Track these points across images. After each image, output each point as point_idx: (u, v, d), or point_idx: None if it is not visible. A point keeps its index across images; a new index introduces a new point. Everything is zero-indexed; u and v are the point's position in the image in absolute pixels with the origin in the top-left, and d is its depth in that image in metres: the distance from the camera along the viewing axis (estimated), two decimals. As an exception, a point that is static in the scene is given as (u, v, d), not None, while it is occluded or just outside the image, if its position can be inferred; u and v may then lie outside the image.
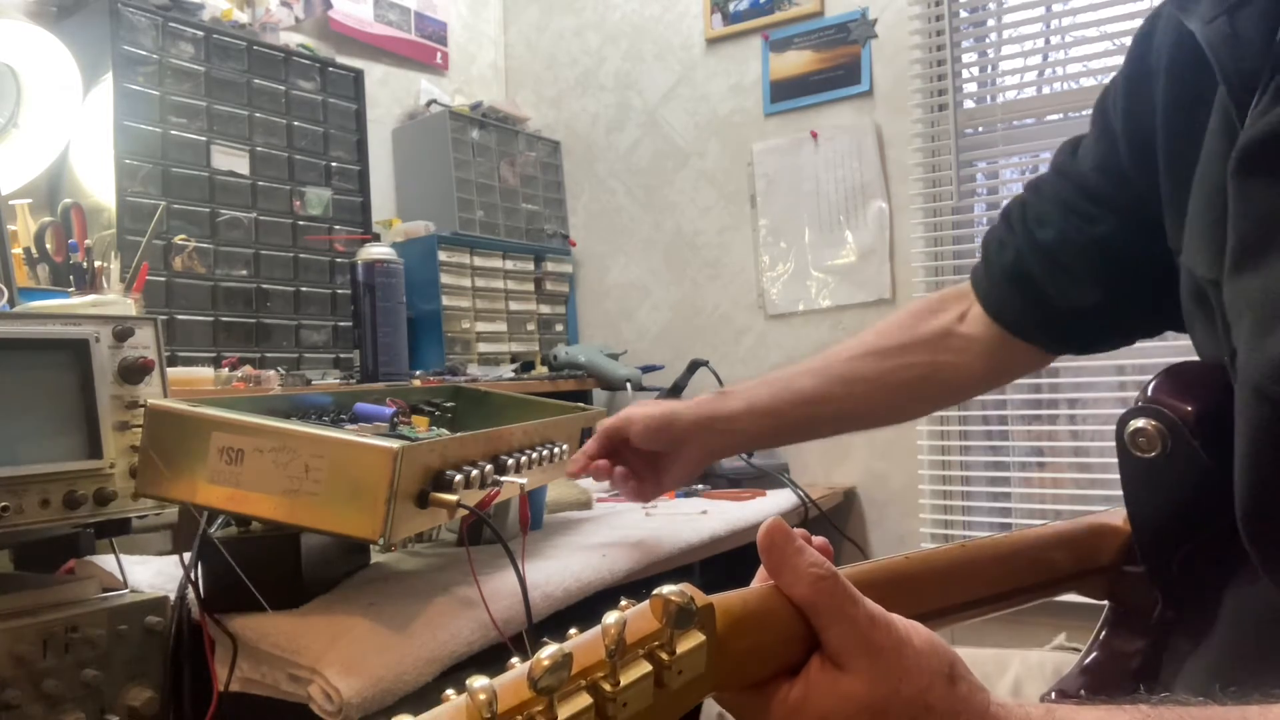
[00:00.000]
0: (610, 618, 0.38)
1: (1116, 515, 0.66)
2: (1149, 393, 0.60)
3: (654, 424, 1.07)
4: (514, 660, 0.37)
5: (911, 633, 0.46)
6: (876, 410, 1.01)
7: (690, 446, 1.09)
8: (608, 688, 0.37)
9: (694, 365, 2.22)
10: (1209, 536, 0.57)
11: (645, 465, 1.14)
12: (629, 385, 2.27)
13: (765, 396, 1.02)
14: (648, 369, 2.35)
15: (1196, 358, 0.67)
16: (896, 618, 0.46)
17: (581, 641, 0.38)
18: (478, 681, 0.34)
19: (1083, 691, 0.62)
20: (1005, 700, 0.46)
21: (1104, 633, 0.65)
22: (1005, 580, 0.61)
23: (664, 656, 0.39)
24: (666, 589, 0.39)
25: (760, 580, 0.48)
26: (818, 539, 0.52)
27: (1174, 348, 1.66)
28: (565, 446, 1.25)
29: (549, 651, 0.35)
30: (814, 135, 2.32)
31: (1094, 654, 0.64)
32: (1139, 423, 0.59)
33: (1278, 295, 0.50)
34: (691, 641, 0.40)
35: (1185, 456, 0.58)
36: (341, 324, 2.02)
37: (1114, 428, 0.61)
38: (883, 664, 0.44)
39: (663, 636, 0.39)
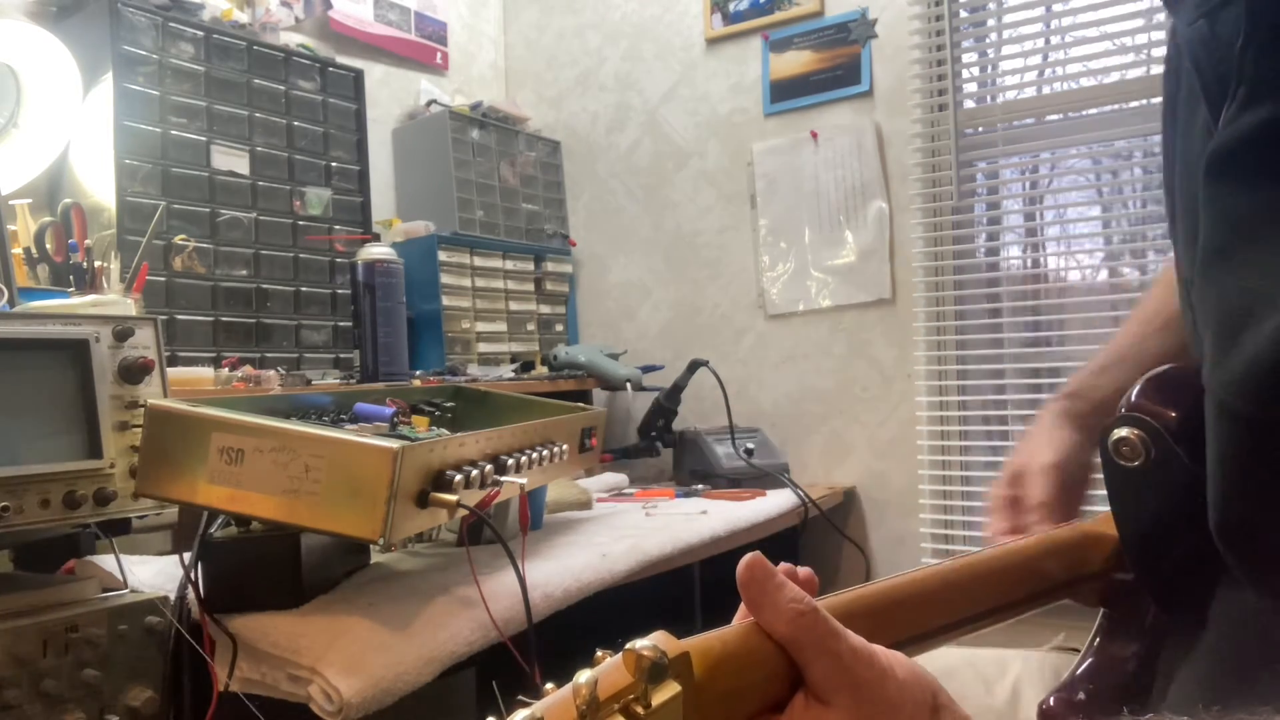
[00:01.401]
0: (582, 676, 0.37)
1: (1105, 522, 0.66)
2: (1131, 400, 0.60)
3: (1078, 463, 0.90)
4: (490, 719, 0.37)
5: (895, 664, 0.46)
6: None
7: (1086, 448, 0.95)
8: None
9: (694, 365, 2.22)
10: (1197, 541, 0.57)
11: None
12: (629, 385, 2.27)
13: (1132, 376, 0.91)
14: (648, 369, 2.35)
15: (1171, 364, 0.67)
16: (879, 649, 0.46)
17: (553, 701, 0.37)
18: None
19: (1081, 696, 0.61)
20: None
21: (1098, 639, 0.65)
22: (997, 595, 0.60)
23: (639, 710, 0.38)
24: (639, 643, 0.39)
25: (741, 617, 0.48)
26: (802, 570, 0.52)
27: (1174, 348, 1.65)
28: (565, 446, 1.26)
29: (521, 716, 0.35)
30: (814, 135, 2.32)
31: (1089, 660, 0.64)
32: (1122, 431, 0.59)
33: (1235, 306, 0.50)
34: (667, 693, 0.39)
35: (1169, 464, 0.58)
36: (341, 324, 2.02)
37: (1112, 429, 0.61)
38: (865, 697, 0.44)
39: (637, 690, 0.39)
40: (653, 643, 0.39)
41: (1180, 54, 0.65)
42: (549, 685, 0.39)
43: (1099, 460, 0.94)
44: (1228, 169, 0.53)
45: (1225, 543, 0.53)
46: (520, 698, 0.37)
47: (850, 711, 0.44)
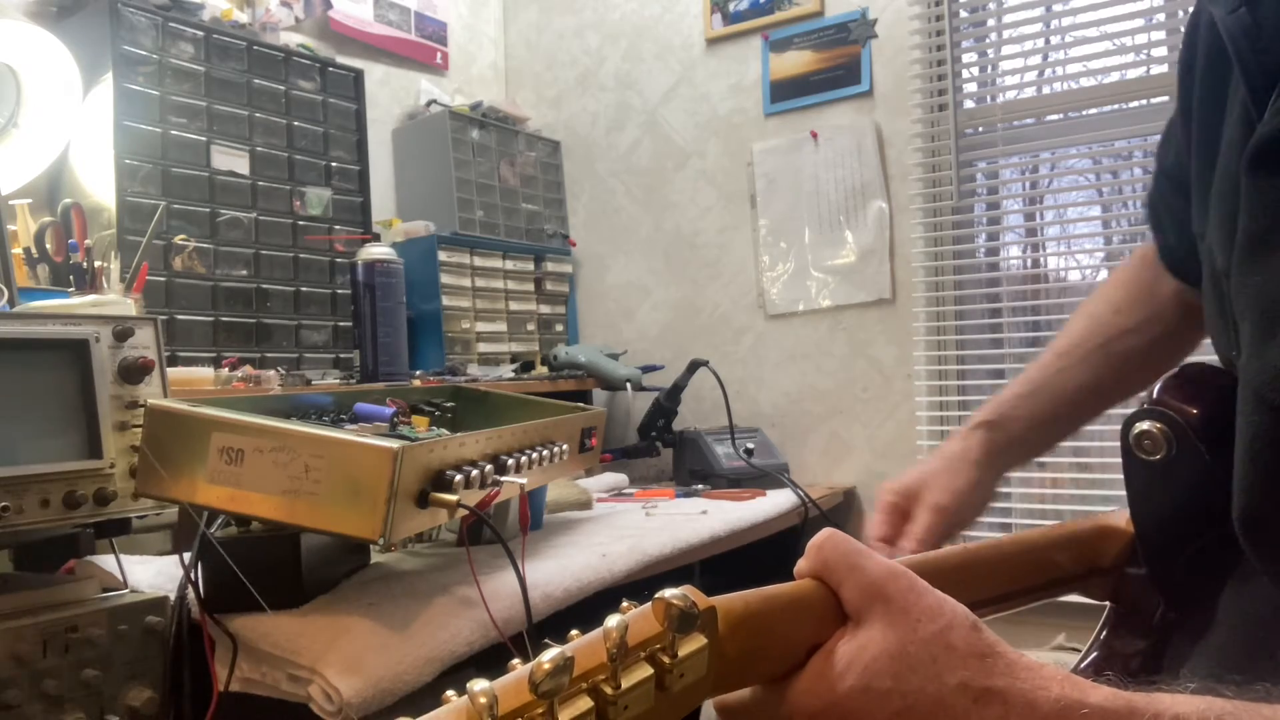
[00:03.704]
0: (612, 620, 0.37)
1: (1119, 516, 0.66)
2: (1154, 395, 0.60)
3: (983, 501, 0.94)
4: (515, 661, 0.37)
5: (928, 585, 0.46)
6: (1139, 385, 0.95)
7: (989, 488, 0.98)
8: (609, 690, 0.37)
9: (694, 365, 2.22)
10: (1211, 538, 0.57)
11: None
12: (629, 385, 2.27)
13: (1047, 409, 0.93)
14: (648, 369, 2.35)
15: (1196, 360, 0.67)
16: (910, 572, 0.47)
17: (583, 644, 0.37)
18: (478, 684, 0.34)
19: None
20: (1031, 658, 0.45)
21: (1104, 633, 0.65)
22: (1008, 581, 0.61)
23: (665, 659, 0.39)
24: (669, 592, 0.39)
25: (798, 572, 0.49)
26: None
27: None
28: (565, 446, 1.25)
29: (551, 654, 0.35)
30: (814, 135, 2.32)
31: (1094, 654, 0.64)
32: (1144, 425, 0.59)
33: (1277, 298, 0.49)
34: (694, 645, 0.40)
35: (1190, 459, 0.58)
36: (341, 324, 2.02)
37: (1113, 427, 0.61)
38: (897, 606, 0.44)
39: (664, 639, 0.39)
40: (682, 593, 0.40)
41: (1208, 44, 0.64)
42: (574, 631, 0.39)
43: (989, 501, 0.96)
44: (1274, 160, 0.52)
45: (1248, 534, 0.53)
46: (546, 640, 0.37)
47: (881, 621, 0.44)
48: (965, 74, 2.23)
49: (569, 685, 0.35)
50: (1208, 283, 0.64)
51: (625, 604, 0.41)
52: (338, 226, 2.04)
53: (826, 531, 0.48)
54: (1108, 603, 0.67)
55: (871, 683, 0.43)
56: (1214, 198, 0.61)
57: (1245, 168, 0.54)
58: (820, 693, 0.45)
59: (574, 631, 0.39)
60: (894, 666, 0.43)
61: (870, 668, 0.44)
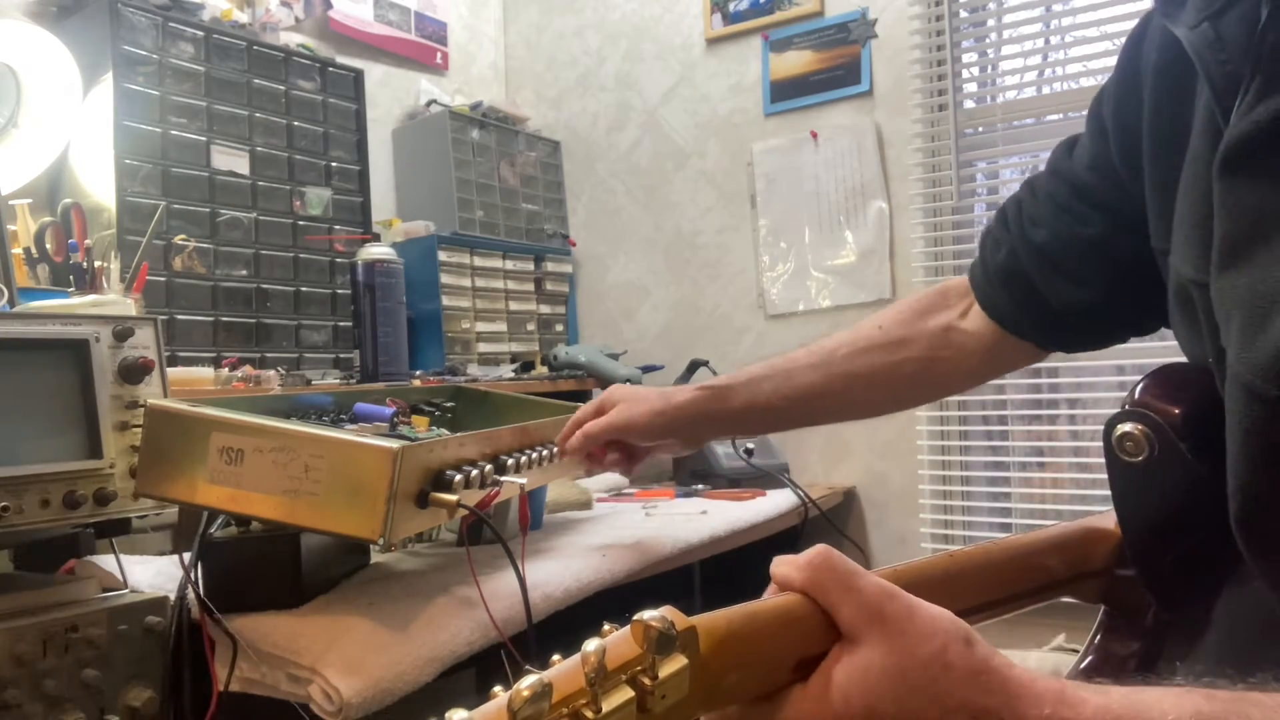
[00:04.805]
0: (590, 645, 0.38)
1: (1108, 519, 0.66)
2: (1135, 396, 0.60)
3: (655, 428, 1.11)
4: (497, 689, 0.37)
5: (923, 602, 0.47)
6: (876, 403, 1.04)
7: (689, 437, 1.15)
8: (590, 715, 0.37)
9: (694, 365, 2.22)
10: (1200, 539, 0.57)
11: (636, 446, 1.18)
12: (629, 385, 2.27)
13: (766, 392, 1.04)
14: (648, 369, 2.35)
15: (1175, 361, 0.67)
16: (904, 591, 0.47)
17: (562, 669, 0.38)
18: (458, 714, 0.34)
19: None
20: (1025, 668, 0.46)
21: (1099, 636, 0.65)
22: (998, 588, 0.61)
23: (646, 681, 0.39)
24: (647, 614, 0.40)
25: (770, 593, 0.49)
26: None
27: (1175, 347, 1.65)
28: (565, 446, 1.26)
29: (529, 681, 0.35)
30: (814, 135, 2.32)
31: (1090, 658, 0.64)
32: (1126, 427, 0.59)
33: (1266, 293, 0.50)
34: (674, 665, 0.40)
35: (1173, 460, 0.58)
36: (341, 324, 2.02)
37: (1110, 428, 0.61)
38: (895, 629, 0.45)
39: (644, 661, 0.39)
40: (661, 615, 0.40)
41: (1162, 62, 0.66)
42: (555, 656, 0.39)
43: (676, 448, 1.19)
44: (1246, 162, 0.53)
45: (1244, 530, 0.53)
46: (528, 666, 0.37)
47: (880, 644, 0.45)
48: (965, 74, 2.23)
49: (549, 711, 0.35)
50: (1173, 295, 0.65)
51: (606, 627, 0.41)
52: (338, 226, 2.04)
53: (821, 549, 0.48)
54: (1101, 605, 0.67)
55: (875, 705, 0.44)
56: (1180, 211, 0.62)
57: (1217, 173, 0.55)
58: (821, 715, 0.45)
59: (555, 656, 0.39)
60: (895, 689, 0.44)
61: (873, 691, 0.44)
